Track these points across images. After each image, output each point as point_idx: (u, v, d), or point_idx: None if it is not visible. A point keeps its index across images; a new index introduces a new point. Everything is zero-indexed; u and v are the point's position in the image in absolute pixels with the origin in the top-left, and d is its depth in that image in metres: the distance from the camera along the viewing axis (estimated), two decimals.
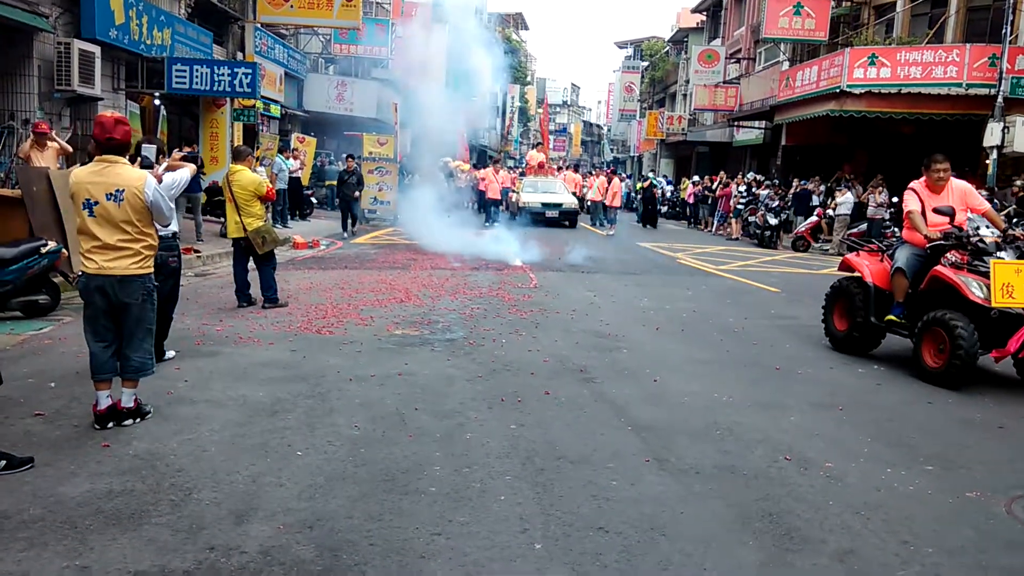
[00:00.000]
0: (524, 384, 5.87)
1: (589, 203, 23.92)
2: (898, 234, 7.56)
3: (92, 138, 4.80)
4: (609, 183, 22.21)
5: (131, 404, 4.69)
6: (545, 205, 22.20)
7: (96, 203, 4.50)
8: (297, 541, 3.32)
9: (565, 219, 22.23)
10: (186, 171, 6.03)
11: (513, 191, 24.22)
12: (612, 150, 68.27)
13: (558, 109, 77.59)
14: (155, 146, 5.30)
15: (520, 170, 29.42)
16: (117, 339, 4.72)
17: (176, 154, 6.62)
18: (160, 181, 4.95)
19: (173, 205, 6.10)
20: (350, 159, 17.46)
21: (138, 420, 4.66)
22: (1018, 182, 14.25)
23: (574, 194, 24.60)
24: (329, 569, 3.11)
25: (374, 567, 3.15)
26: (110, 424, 4.59)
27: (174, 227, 6.02)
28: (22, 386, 5.23)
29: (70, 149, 10.28)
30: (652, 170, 28.70)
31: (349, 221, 17.11)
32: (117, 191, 4.49)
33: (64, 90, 11.50)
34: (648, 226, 24.28)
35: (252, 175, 8.34)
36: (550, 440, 4.68)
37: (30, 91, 11.33)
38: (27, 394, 5.09)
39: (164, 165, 5.65)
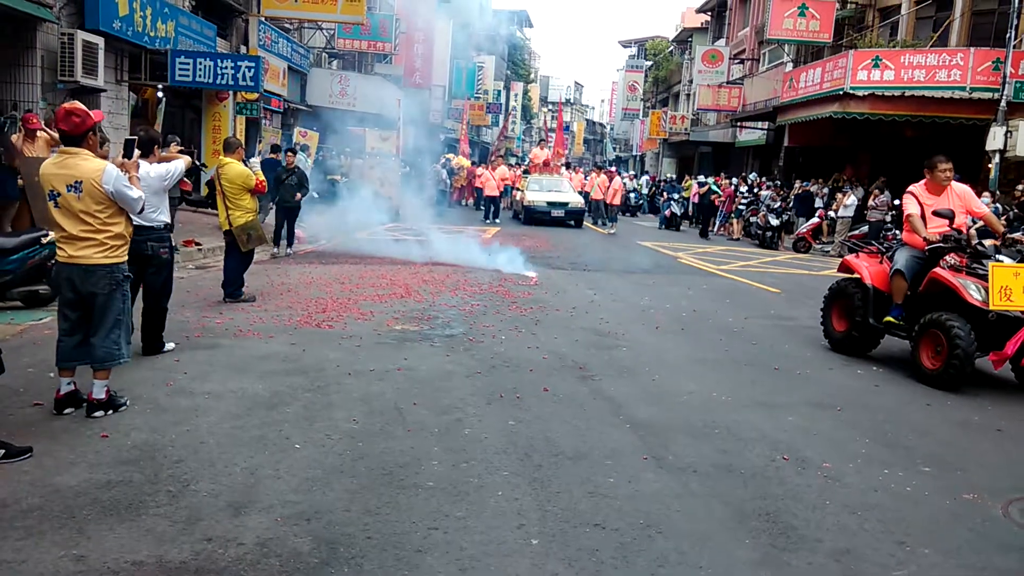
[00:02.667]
0: (523, 381, 5.87)
1: (591, 202, 23.84)
2: (898, 236, 7.57)
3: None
4: (610, 182, 22.16)
5: (102, 396, 4.62)
6: (551, 204, 21.56)
7: (59, 194, 4.46)
8: (294, 533, 3.33)
9: (571, 218, 21.69)
10: (180, 162, 6.01)
11: (516, 189, 24.03)
12: (615, 149, 68.17)
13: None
14: (134, 138, 5.27)
15: (524, 168, 29.28)
16: (84, 329, 4.68)
17: (173, 147, 6.62)
18: (137, 170, 4.86)
19: (165, 195, 6.07)
20: (290, 154, 12.71)
21: (110, 412, 4.61)
22: (1020, 187, 14.23)
23: (581, 192, 24.36)
24: (326, 562, 3.12)
25: (371, 560, 3.16)
26: (67, 410, 4.60)
27: (165, 218, 5.98)
28: (22, 376, 5.24)
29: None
30: (708, 173, 27.11)
31: (284, 234, 12.34)
32: (76, 182, 4.43)
33: (67, 81, 11.49)
34: (703, 238, 21.26)
35: (241, 168, 8.14)
36: (548, 436, 4.68)
37: (33, 82, 11.33)
38: (27, 384, 5.10)
39: (134, 154, 5.52)
